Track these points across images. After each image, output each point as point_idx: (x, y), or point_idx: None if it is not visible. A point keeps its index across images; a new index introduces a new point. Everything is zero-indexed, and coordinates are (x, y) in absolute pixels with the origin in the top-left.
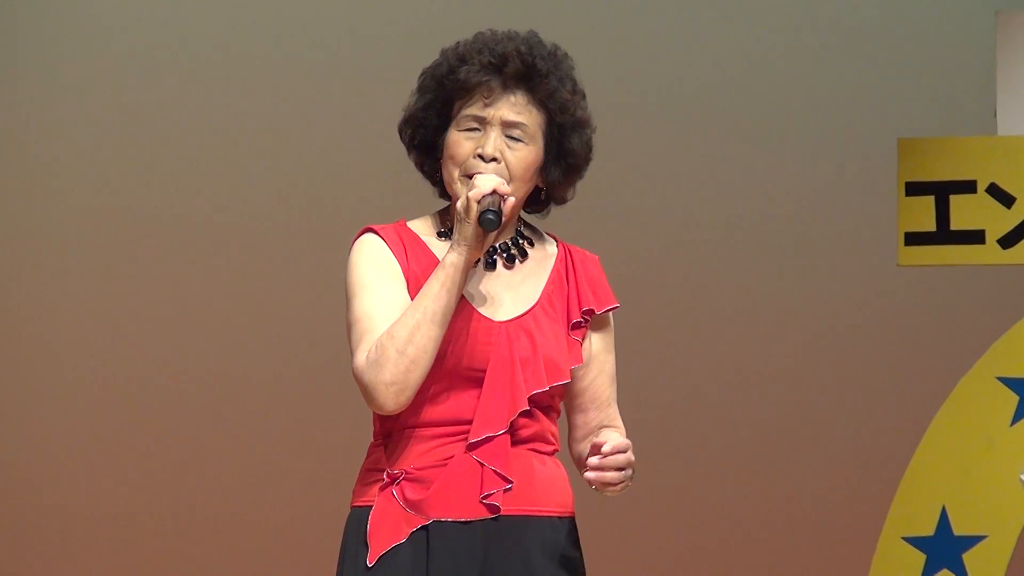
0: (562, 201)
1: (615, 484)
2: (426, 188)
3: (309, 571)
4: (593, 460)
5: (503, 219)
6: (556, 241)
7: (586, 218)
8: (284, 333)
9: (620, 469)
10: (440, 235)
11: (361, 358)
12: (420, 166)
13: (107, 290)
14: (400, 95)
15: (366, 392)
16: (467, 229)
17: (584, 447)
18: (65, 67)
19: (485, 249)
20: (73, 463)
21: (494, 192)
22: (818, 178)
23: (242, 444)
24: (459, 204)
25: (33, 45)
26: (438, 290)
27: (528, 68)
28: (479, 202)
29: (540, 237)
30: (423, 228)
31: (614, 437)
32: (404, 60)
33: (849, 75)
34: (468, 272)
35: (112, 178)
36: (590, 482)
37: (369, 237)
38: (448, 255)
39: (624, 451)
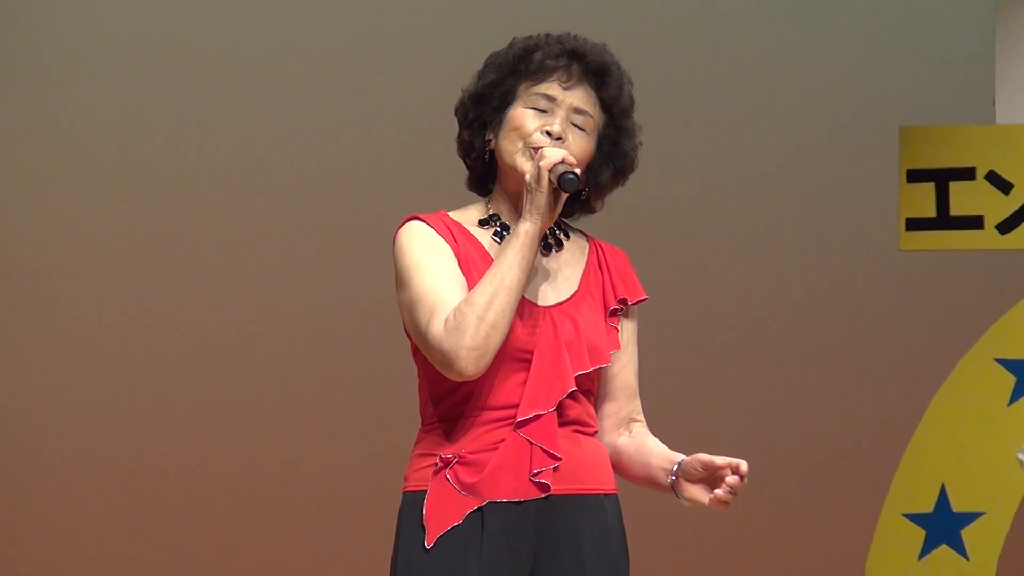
0: (593, 210)
1: (726, 503)
2: (441, 186)
3: (359, 556)
4: (733, 479)
5: (579, 186)
6: (586, 235)
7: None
8: (334, 324)
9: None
10: (481, 223)
11: (439, 327)
12: (468, 145)
13: (136, 284)
14: (406, 91)
15: (446, 358)
16: (540, 198)
17: (614, 438)
18: (66, 67)
19: (551, 223)
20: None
21: (563, 162)
22: (822, 166)
23: (288, 432)
24: (529, 175)
25: (34, 44)
26: (513, 257)
27: (603, 66)
28: (551, 170)
29: (573, 230)
30: (464, 217)
31: (742, 461)
32: (411, 59)
33: (851, 65)
34: (540, 241)
35: (120, 167)
36: (718, 499)
37: (415, 223)
38: (521, 224)
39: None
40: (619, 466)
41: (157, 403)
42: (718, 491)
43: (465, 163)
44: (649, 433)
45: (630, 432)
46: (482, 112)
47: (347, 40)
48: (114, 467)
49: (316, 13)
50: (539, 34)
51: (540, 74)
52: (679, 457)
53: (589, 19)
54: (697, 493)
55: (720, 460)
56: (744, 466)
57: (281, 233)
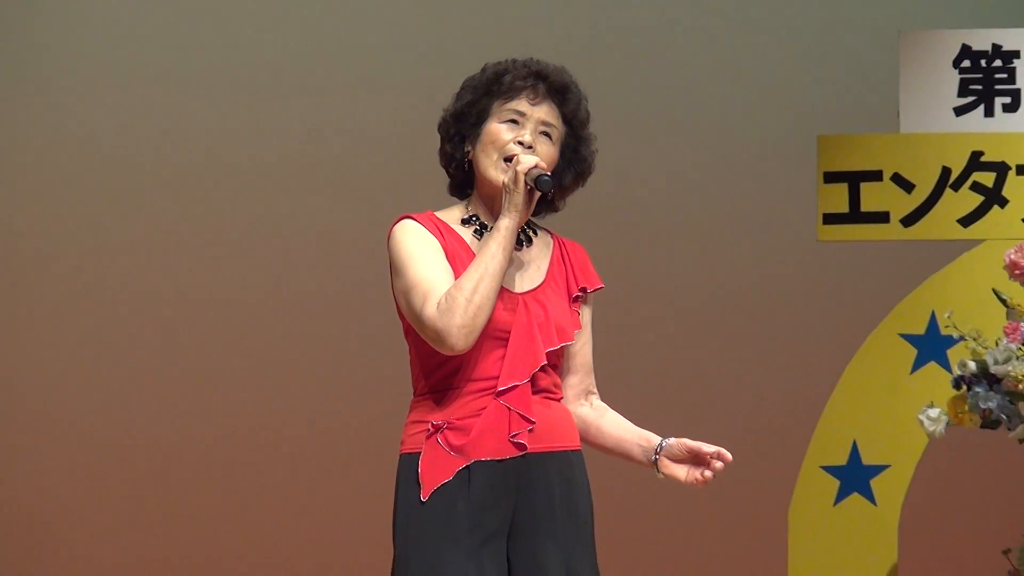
0: (557, 209)
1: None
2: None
3: (361, 511)
4: (719, 465)
5: (551, 186)
6: (550, 232)
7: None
8: (336, 308)
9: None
10: (463, 222)
11: (432, 309)
12: (450, 156)
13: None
14: (399, 101)
15: (439, 336)
16: (516, 197)
17: (575, 407)
18: (67, 66)
19: (526, 219)
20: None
21: (536, 166)
22: (753, 169)
23: (294, 405)
24: (506, 178)
25: (33, 44)
26: (495, 248)
27: (564, 85)
28: (527, 173)
29: (540, 228)
30: (448, 217)
31: (726, 452)
32: (401, 72)
33: (778, 83)
34: (517, 234)
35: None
36: (700, 480)
37: (408, 221)
38: (501, 220)
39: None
40: (585, 435)
41: (163, 372)
42: (706, 472)
43: (447, 172)
44: (607, 406)
45: (590, 404)
46: (461, 128)
47: (342, 48)
48: (112, 430)
49: (316, 21)
50: (507, 60)
51: (510, 93)
52: (656, 438)
53: (528, 31)
54: (676, 471)
55: (707, 448)
56: (728, 456)
57: (285, 226)
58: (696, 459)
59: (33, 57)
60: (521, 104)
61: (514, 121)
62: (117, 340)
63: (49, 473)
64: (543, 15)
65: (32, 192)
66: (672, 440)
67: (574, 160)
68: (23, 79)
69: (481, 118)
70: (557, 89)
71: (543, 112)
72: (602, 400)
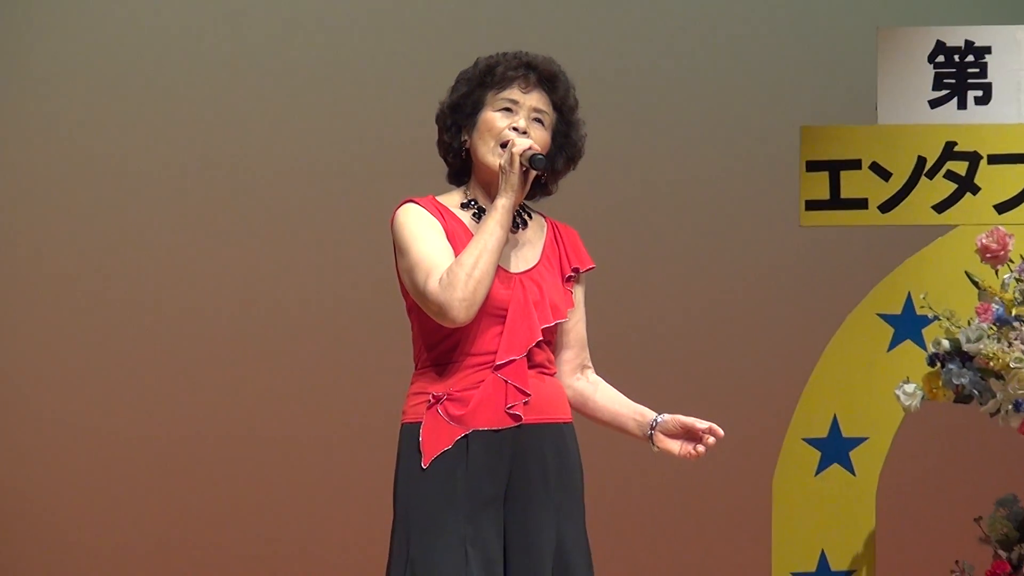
0: (550, 192)
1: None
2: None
3: (364, 478)
4: (711, 440)
5: (545, 165)
6: (544, 217)
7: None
8: (342, 290)
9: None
10: (462, 206)
11: (435, 284)
12: (448, 146)
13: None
14: (401, 95)
15: (441, 309)
16: (512, 177)
17: (572, 381)
18: (64, 66)
19: (521, 199)
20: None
21: (530, 148)
22: (740, 158)
23: (302, 380)
24: (503, 161)
25: (34, 41)
26: (492, 226)
27: (553, 74)
28: (522, 154)
29: (535, 212)
30: (448, 201)
31: (718, 427)
32: (402, 66)
33: (764, 78)
34: (513, 213)
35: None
36: (693, 454)
37: (411, 205)
38: (498, 200)
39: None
40: (582, 407)
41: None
42: (699, 447)
43: (445, 161)
44: (601, 380)
45: (586, 377)
46: (458, 119)
47: (343, 43)
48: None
49: (319, 18)
50: (498, 53)
51: (503, 83)
52: (651, 414)
53: (519, 24)
54: (670, 445)
55: (700, 424)
56: (720, 431)
57: (289, 207)
58: (689, 434)
59: (33, 54)
60: (513, 93)
61: (508, 109)
62: (113, 327)
63: (49, 470)
64: (534, 10)
65: (30, 190)
66: (666, 416)
67: (565, 144)
68: (23, 77)
69: (476, 108)
70: (546, 78)
71: (534, 99)
72: (596, 375)
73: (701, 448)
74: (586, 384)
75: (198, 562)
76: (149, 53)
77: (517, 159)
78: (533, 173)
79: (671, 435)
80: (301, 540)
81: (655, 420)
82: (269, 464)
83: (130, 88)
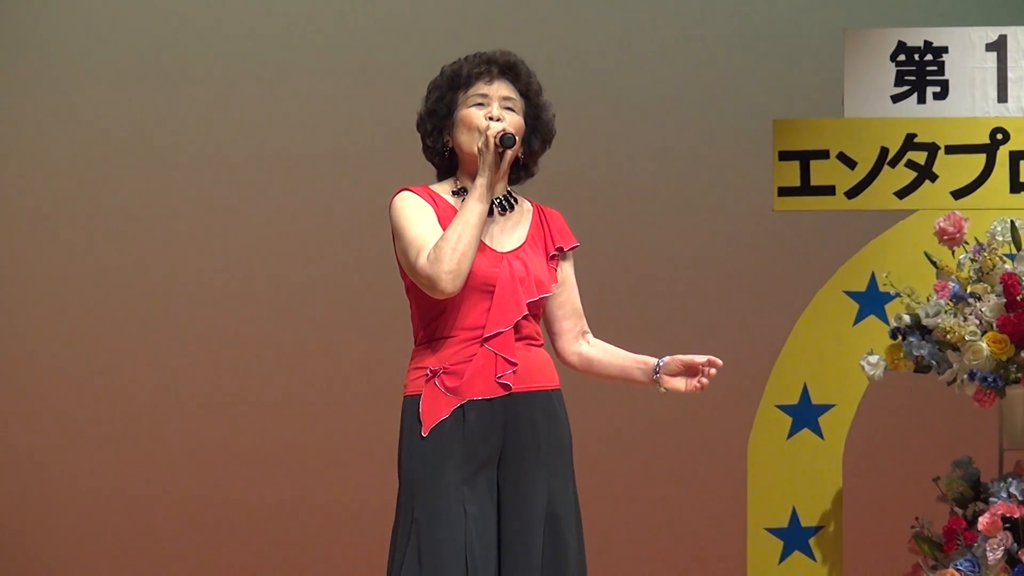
0: (532, 173)
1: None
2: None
3: (371, 447)
4: (712, 371)
5: (516, 142)
6: (530, 201)
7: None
8: (348, 265)
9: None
10: (454, 193)
11: (424, 260)
12: (432, 149)
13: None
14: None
15: (431, 281)
16: (489, 157)
17: (577, 347)
18: (65, 60)
19: (499, 177)
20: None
21: (502, 130)
22: (719, 149)
23: (310, 354)
24: (479, 144)
25: (34, 41)
26: (472, 203)
27: (512, 64)
28: (495, 136)
29: (521, 198)
30: (441, 189)
31: (717, 359)
32: (396, 64)
33: (739, 74)
34: (492, 190)
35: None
36: (698, 387)
37: (406, 193)
38: (478, 179)
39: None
40: (590, 369)
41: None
42: (702, 379)
43: (432, 163)
44: (601, 341)
45: (588, 342)
46: (436, 122)
47: (341, 38)
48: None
49: (315, 12)
50: (458, 59)
51: (469, 81)
52: (653, 360)
53: (505, 23)
54: (676, 384)
55: (699, 359)
56: (719, 361)
57: (296, 194)
58: (690, 370)
59: (32, 50)
60: (480, 88)
61: (480, 104)
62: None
63: (50, 466)
64: (517, 3)
65: (27, 183)
66: (667, 358)
67: (537, 127)
68: (23, 75)
69: (451, 109)
70: (507, 68)
71: (501, 89)
72: (596, 338)
73: (704, 380)
74: (588, 348)
75: (206, 522)
76: (145, 36)
77: (491, 140)
78: (509, 154)
79: (674, 374)
80: (314, 508)
81: (659, 364)
82: (281, 436)
83: (124, 74)
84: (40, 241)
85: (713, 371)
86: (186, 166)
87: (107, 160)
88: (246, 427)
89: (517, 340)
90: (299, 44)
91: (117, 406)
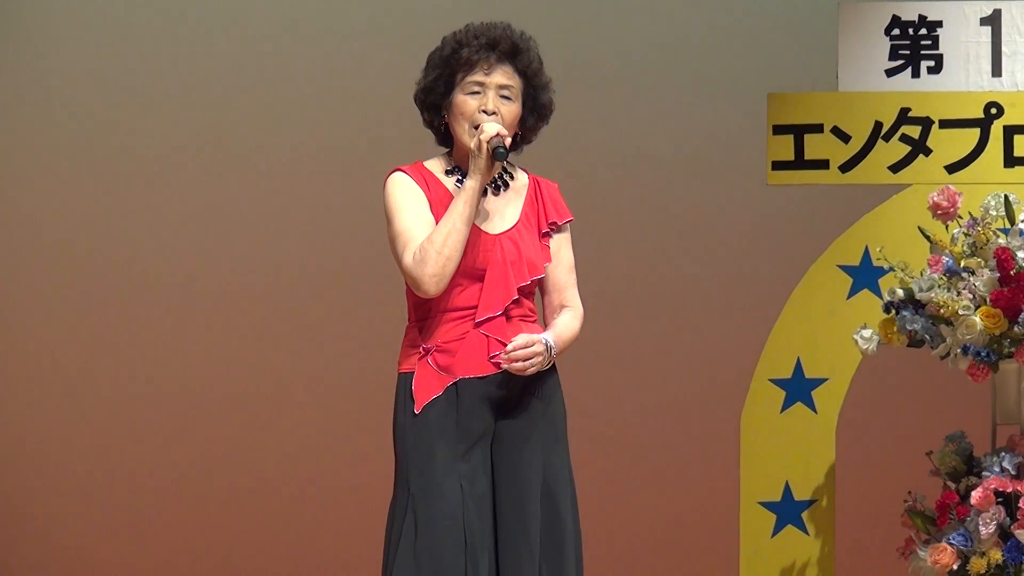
0: (529, 141)
1: (523, 370)
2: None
3: (368, 423)
4: (502, 356)
5: (507, 155)
6: (527, 173)
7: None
8: (338, 245)
9: (526, 359)
10: (447, 172)
11: (409, 259)
12: (430, 122)
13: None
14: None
15: (414, 282)
16: (480, 162)
17: (555, 319)
18: (65, 59)
19: (489, 179)
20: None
21: (498, 135)
22: (714, 122)
23: (310, 332)
24: (472, 145)
25: (35, 39)
26: (462, 207)
27: (514, 47)
28: (489, 142)
29: (516, 171)
30: (435, 167)
31: (520, 338)
32: (395, 43)
33: (736, 50)
34: (482, 192)
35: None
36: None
37: (399, 174)
38: (467, 181)
39: (525, 347)
40: None
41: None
42: (502, 362)
43: (432, 131)
44: (565, 315)
45: (562, 315)
46: (433, 99)
47: (337, 21)
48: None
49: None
50: (461, 30)
51: (468, 66)
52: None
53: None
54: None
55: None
56: (510, 345)
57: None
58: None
59: (32, 50)
60: (478, 75)
61: (476, 92)
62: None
63: (49, 459)
64: None
65: (27, 183)
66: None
67: (535, 107)
68: (23, 74)
69: (448, 89)
70: (508, 53)
71: (499, 77)
72: (585, 314)
73: (503, 364)
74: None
75: (211, 501)
76: (141, 32)
77: (484, 145)
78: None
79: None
80: (312, 482)
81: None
82: (279, 412)
83: (123, 72)
84: (40, 240)
85: (502, 356)
86: (181, 157)
87: (104, 157)
88: (244, 404)
89: (510, 320)
90: (299, 37)
91: (115, 381)
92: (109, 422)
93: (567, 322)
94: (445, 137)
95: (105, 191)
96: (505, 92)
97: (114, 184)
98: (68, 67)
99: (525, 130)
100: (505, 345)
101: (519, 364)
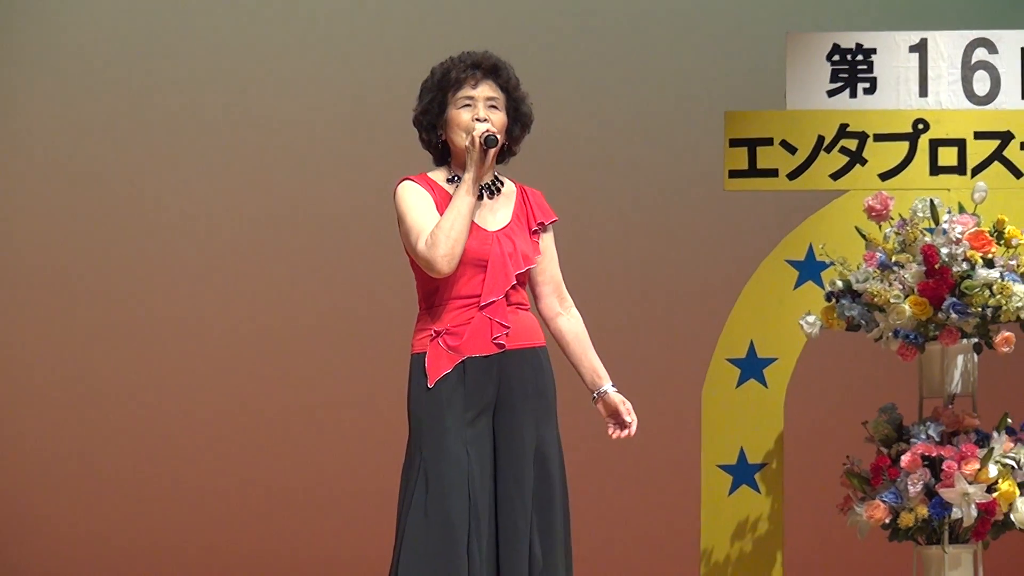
0: (514, 153)
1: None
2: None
3: (368, 423)
4: (622, 434)
5: (499, 142)
6: (514, 183)
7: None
8: (356, 244)
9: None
10: (449, 180)
11: (422, 244)
12: (428, 142)
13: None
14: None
15: (428, 263)
16: (474, 154)
17: (556, 312)
18: (64, 63)
19: (483, 179)
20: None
21: (486, 131)
22: (679, 136)
23: (310, 331)
24: (467, 142)
25: (34, 39)
26: (462, 195)
27: (494, 66)
28: (480, 136)
29: (505, 180)
30: (437, 177)
31: (629, 409)
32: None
33: (695, 72)
34: (478, 184)
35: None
36: (611, 435)
37: (407, 183)
38: (466, 174)
39: (630, 411)
40: (558, 341)
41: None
42: (619, 431)
43: (429, 152)
44: (579, 323)
45: (567, 313)
46: (430, 118)
47: (340, 32)
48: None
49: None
50: (447, 59)
51: (458, 84)
52: (601, 381)
53: (472, 19)
54: (603, 414)
55: (627, 418)
56: (632, 433)
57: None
58: (615, 418)
59: (32, 49)
60: (467, 91)
61: (467, 105)
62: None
63: (51, 459)
64: (484, 6)
65: (26, 183)
66: (609, 392)
67: (518, 116)
68: (22, 75)
69: (442, 109)
70: (489, 70)
71: (485, 90)
72: (576, 312)
73: (620, 433)
74: (566, 324)
75: (211, 501)
76: (146, 34)
77: (477, 139)
78: (492, 151)
79: (606, 409)
80: (332, 453)
81: (601, 390)
82: (279, 412)
83: (123, 73)
84: (40, 241)
85: (626, 433)
86: (183, 157)
87: (104, 157)
88: (245, 404)
89: (508, 306)
90: (303, 41)
91: (116, 381)
92: (109, 422)
93: (587, 339)
94: (443, 155)
95: (105, 191)
96: (492, 102)
97: (114, 184)
98: (69, 68)
99: (511, 140)
100: (505, 326)
101: (634, 425)
